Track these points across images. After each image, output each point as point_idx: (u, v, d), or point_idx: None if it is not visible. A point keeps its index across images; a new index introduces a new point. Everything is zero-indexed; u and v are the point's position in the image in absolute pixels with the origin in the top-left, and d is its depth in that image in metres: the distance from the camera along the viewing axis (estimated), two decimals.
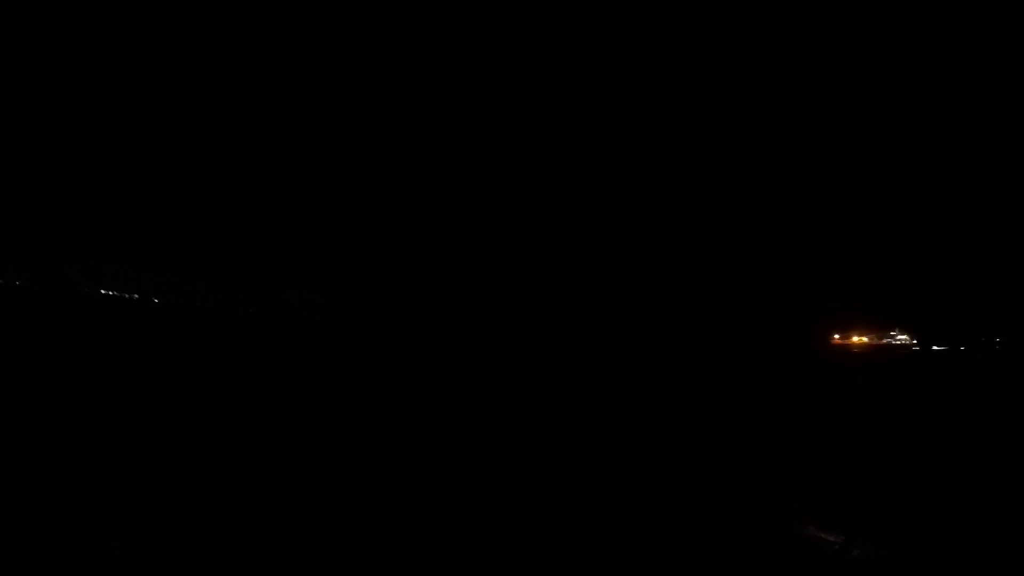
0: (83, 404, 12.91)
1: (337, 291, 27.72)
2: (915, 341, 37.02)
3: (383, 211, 27.58)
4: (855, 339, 37.14)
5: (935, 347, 35.75)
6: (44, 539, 6.20)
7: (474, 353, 27.37)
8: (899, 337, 37.43)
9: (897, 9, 24.26)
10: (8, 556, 5.81)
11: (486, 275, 28.41)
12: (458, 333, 28.13)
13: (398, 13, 23.72)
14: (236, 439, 11.77)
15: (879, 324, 36.56)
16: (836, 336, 36.55)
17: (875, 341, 37.33)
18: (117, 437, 10.67)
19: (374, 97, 25.87)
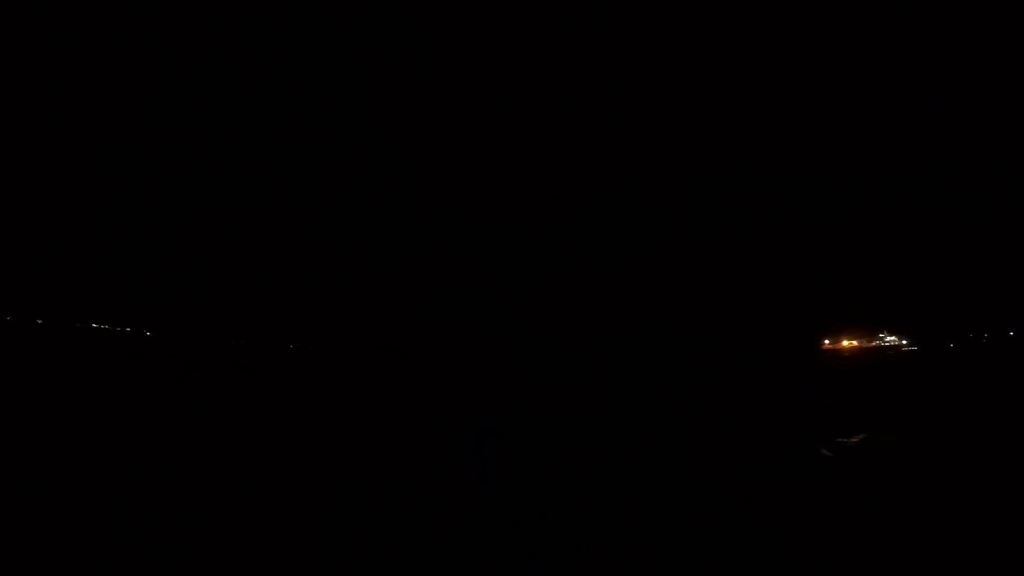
0: (83, 404, 12.91)
1: (337, 291, 27.67)
2: (905, 342, 37.01)
3: (383, 211, 27.55)
4: (845, 343, 37.19)
5: (926, 347, 35.77)
6: (44, 539, 6.20)
7: (474, 353, 27.38)
8: (888, 339, 37.44)
9: (897, 9, 24.27)
10: (8, 556, 5.82)
11: (486, 275, 28.37)
12: (458, 333, 28.10)
13: (398, 13, 23.74)
14: (236, 439, 11.77)
15: (868, 327, 36.57)
16: (826, 341, 36.60)
17: (865, 344, 37.35)
18: (118, 438, 10.68)
19: (374, 97, 25.87)
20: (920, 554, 6.59)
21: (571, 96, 26.27)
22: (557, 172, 27.38)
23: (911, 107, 26.21)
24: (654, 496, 8.95)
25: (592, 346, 28.15)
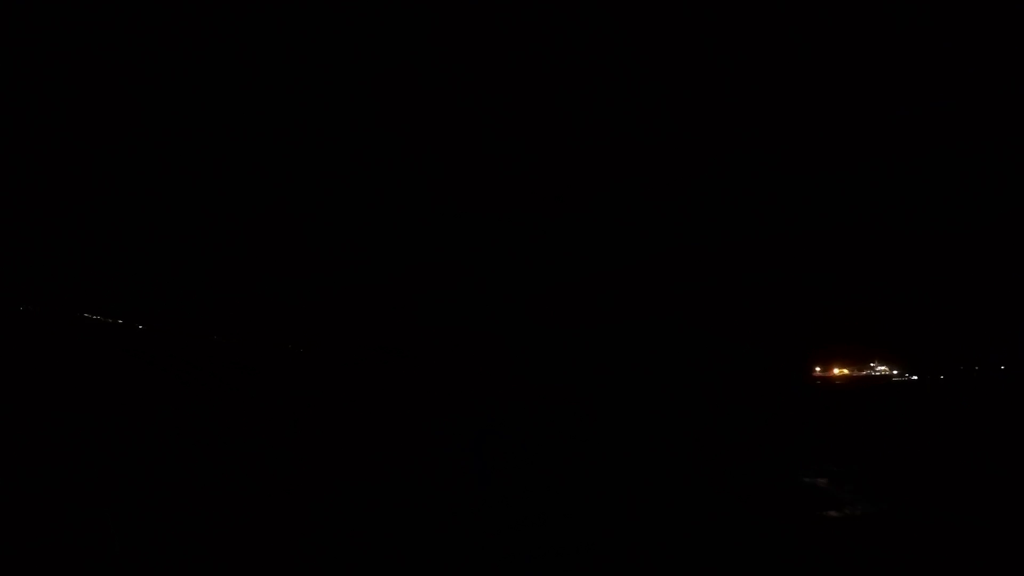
0: (83, 404, 12.89)
1: (336, 291, 27.69)
2: (895, 372, 37.22)
3: (383, 211, 27.57)
4: (836, 371, 37.48)
5: (916, 378, 36.02)
6: (44, 539, 6.20)
7: (474, 353, 27.39)
8: (879, 368, 37.67)
9: (897, 9, 24.27)
10: (8, 556, 5.82)
11: (486, 275, 28.39)
12: (458, 333, 28.09)
13: (398, 13, 23.75)
14: (236, 439, 11.77)
15: (859, 356, 36.90)
16: (818, 368, 36.88)
17: (856, 372, 37.65)
18: (118, 438, 10.67)
19: (374, 97, 25.88)
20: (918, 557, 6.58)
21: (571, 96, 26.28)
22: (557, 172, 27.40)
23: (911, 107, 26.22)
24: (652, 496, 8.96)
25: (592, 346, 28.17)
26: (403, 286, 27.69)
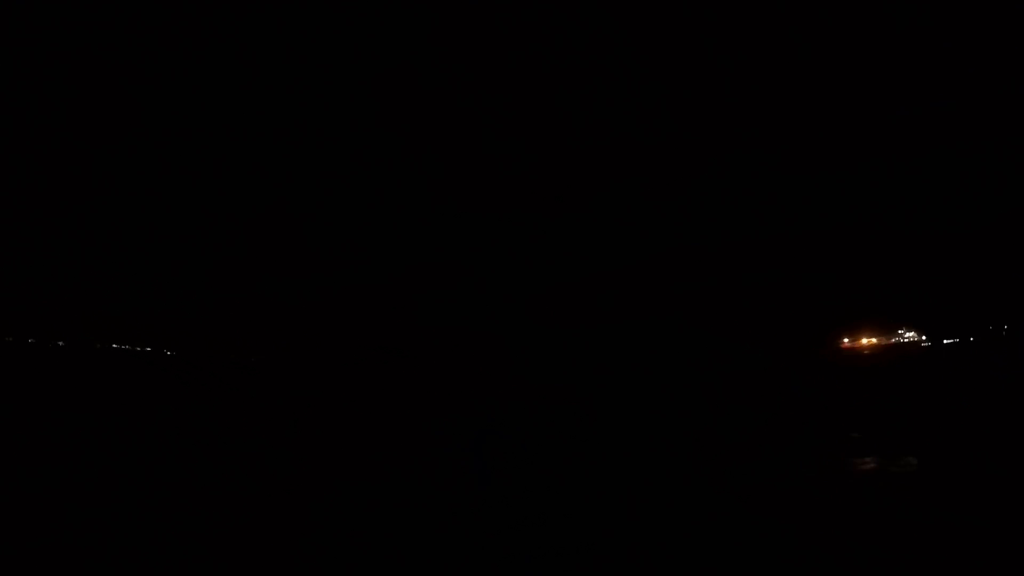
0: (85, 404, 12.92)
1: (337, 291, 27.70)
2: (924, 337, 36.67)
3: (383, 211, 27.57)
4: (864, 341, 36.95)
5: (945, 342, 35.43)
6: (45, 539, 6.21)
7: (474, 353, 27.39)
8: (908, 335, 37.18)
9: (897, 9, 24.26)
10: (8, 556, 5.83)
11: (486, 275, 28.38)
12: (458, 333, 28.10)
13: (398, 13, 23.75)
14: (236, 439, 11.79)
15: (886, 323, 36.39)
16: (845, 340, 36.39)
17: (884, 341, 37.11)
18: (119, 438, 10.69)
19: (374, 97, 25.88)
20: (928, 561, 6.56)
21: (571, 96, 26.27)
22: (557, 172, 27.39)
23: (911, 107, 26.21)
24: (653, 497, 8.94)
25: (592, 346, 28.15)
26: (403, 286, 27.69)
